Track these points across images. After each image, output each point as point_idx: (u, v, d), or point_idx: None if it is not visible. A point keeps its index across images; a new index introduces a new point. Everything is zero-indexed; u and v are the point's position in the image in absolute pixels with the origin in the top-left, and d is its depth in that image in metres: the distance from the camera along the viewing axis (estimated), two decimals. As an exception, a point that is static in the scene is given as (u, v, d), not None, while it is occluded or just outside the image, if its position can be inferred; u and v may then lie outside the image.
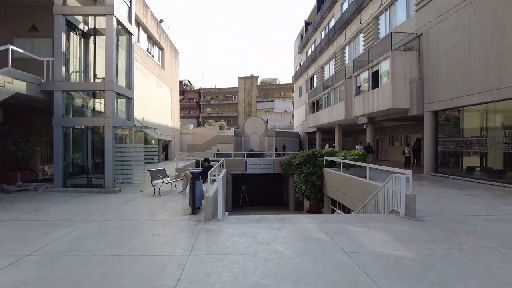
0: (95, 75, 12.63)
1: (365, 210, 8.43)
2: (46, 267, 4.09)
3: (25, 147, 11.53)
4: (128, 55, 13.07)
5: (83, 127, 11.87)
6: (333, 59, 28.85)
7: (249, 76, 69.24)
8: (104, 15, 11.05)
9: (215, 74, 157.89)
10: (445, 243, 4.87)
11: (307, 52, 38.66)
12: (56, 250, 4.72)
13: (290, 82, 55.31)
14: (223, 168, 13.65)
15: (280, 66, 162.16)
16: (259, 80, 71.00)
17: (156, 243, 5.07)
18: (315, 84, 34.86)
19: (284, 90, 67.34)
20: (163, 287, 3.50)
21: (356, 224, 6.07)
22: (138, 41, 22.32)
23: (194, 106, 71.37)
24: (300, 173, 15.39)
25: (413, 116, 15.55)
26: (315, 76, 35.37)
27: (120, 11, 11.75)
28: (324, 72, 32.35)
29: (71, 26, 11.47)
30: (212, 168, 8.64)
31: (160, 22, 27.57)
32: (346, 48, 26.18)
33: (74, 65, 12.11)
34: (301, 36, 42.30)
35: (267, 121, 39.03)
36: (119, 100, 12.69)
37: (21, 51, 10.31)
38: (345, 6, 25.31)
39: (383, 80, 16.03)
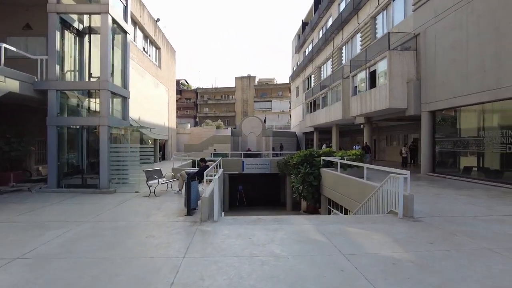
0: (90, 74, 12.47)
1: (363, 210, 8.37)
2: (36, 270, 3.98)
3: (19, 147, 11.37)
4: (123, 54, 12.93)
5: (78, 127, 11.71)
6: (331, 59, 28.83)
7: (246, 76, 69.11)
8: (99, 13, 10.91)
9: (212, 74, 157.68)
10: (443, 244, 4.80)
11: (305, 52, 38.63)
12: (48, 252, 4.60)
13: (288, 82, 55.27)
14: (219, 168, 13.55)
15: (278, 66, 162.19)
16: (257, 80, 70.89)
17: (150, 245, 4.97)
18: (312, 84, 34.83)
19: (281, 90, 67.29)
20: (156, 291, 3.41)
21: (353, 225, 6.00)
22: (134, 40, 22.15)
23: (191, 105, 71.15)
24: (297, 173, 15.32)
25: (410, 116, 15.53)
26: (312, 76, 35.35)
27: (116, 10, 11.61)
28: (322, 72, 32.31)
29: (65, 25, 11.31)
30: (208, 169, 8.53)
31: (156, 21, 27.40)
32: (344, 48, 26.16)
33: (68, 64, 11.95)
34: (298, 36, 42.26)
35: (265, 121, 38.95)
36: (114, 99, 12.54)
37: (14, 49, 10.15)
38: (343, 6, 25.29)
39: (381, 80, 16.00)
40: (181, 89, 70.52)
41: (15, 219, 6.73)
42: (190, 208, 6.96)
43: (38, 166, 13.97)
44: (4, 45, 9.52)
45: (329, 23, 28.58)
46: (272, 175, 24.11)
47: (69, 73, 12.06)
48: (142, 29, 23.93)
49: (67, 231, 5.69)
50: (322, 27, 31.20)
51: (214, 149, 31.58)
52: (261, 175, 23.90)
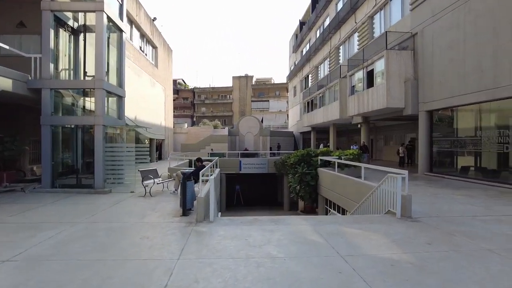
0: (85, 73, 12.31)
1: (360, 210, 8.31)
2: (25, 273, 3.86)
3: (12, 146, 11.22)
4: (119, 52, 12.80)
5: (72, 126, 11.56)
6: (328, 59, 28.79)
7: (243, 75, 69.04)
8: (94, 11, 10.78)
9: (209, 73, 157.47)
10: (442, 245, 4.74)
11: (302, 51, 38.57)
12: (38, 254, 4.49)
13: (285, 81, 55.20)
14: (216, 168, 13.44)
15: (275, 66, 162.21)
16: (254, 79, 70.83)
17: (144, 246, 4.87)
18: (309, 83, 34.78)
19: (279, 90, 67.26)
20: (149, 294, 3.31)
21: (351, 226, 5.92)
22: (130, 39, 21.99)
23: (189, 105, 70.96)
24: (294, 173, 15.25)
25: (407, 116, 15.51)
26: (309, 75, 35.30)
27: (111, 8, 11.48)
28: (319, 72, 32.27)
29: (59, 23, 11.16)
30: (205, 168, 8.43)
31: (153, 20, 27.22)
32: (341, 47, 26.12)
33: (63, 62, 11.80)
34: (295, 35, 42.21)
35: (262, 121, 38.89)
36: (110, 98, 12.43)
37: (7, 47, 10.01)
38: (340, 5, 25.25)
39: (378, 79, 15.96)
40: (178, 89, 70.30)
41: (6, 219, 6.60)
42: (186, 209, 6.87)
43: (33, 166, 13.81)
44: (-4, 43, 9.37)
45: (327, 22, 28.54)
46: (269, 175, 24.06)
47: (63, 71, 11.90)
48: (139, 28, 23.77)
49: (59, 232, 5.58)
50: (320, 27, 31.15)
51: (211, 149, 31.49)
52: (258, 175, 23.85)
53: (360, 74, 18.14)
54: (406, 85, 14.74)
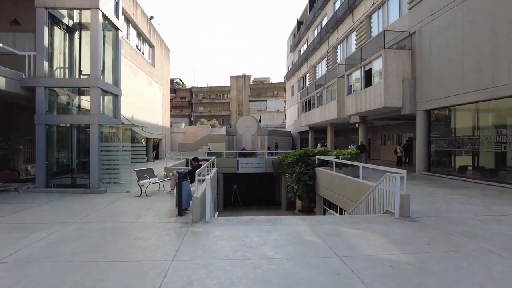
0: (80, 71, 12.16)
1: (358, 210, 8.23)
2: (14, 275, 3.75)
3: (6, 145, 11.06)
4: (115, 51, 12.66)
5: (67, 125, 11.42)
6: (326, 58, 28.74)
7: (241, 75, 68.88)
8: (89, 8, 10.63)
9: (207, 73, 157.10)
10: (442, 245, 4.67)
11: (300, 51, 38.51)
12: (29, 256, 4.37)
13: (283, 81, 55.13)
14: (213, 167, 13.34)
15: (273, 65, 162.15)
16: (252, 79, 70.70)
17: (138, 247, 4.76)
18: (307, 83, 34.73)
19: (276, 89, 67.16)
20: (141, 297, 3.21)
21: (349, 226, 5.84)
22: (127, 38, 21.82)
23: (186, 105, 70.72)
24: (292, 172, 15.17)
25: (405, 115, 15.47)
26: (307, 75, 35.25)
27: (107, 6, 11.34)
28: (317, 71, 32.22)
29: (54, 20, 11.01)
30: (201, 168, 8.33)
31: (150, 19, 27.06)
32: (339, 47, 26.08)
33: (58, 60, 11.65)
34: (293, 35, 42.14)
35: (260, 120, 38.77)
36: (105, 97, 12.29)
37: (0, 45, 9.84)
38: (338, 4, 25.19)
39: (376, 78, 15.90)
40: (176, 88, 70.04)
41: (-2, 220, 6.47)
42: (182, 209, 6.76)
43: (27, 165, 13.65)
44: (-11, 40, 9.21)
45: (324, 22, 28.49)
46: (267, 175, 23.98)
47: (58, 70, 11.76)
48: (136, 27, 23.61)
49: (52, 233, 5.46)
50: (317, 26, 31.10)
51: (209, 148, 31.35)
52: (256, 174, 23.74)
53: (357, 74, 18.09)
54: (404, 84, 14.70)
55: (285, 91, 55.78)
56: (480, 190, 9.68)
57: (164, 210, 7.43)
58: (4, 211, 7.25)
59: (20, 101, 11.54)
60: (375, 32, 19.52)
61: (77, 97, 11.96)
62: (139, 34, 24.73)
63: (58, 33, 11.52)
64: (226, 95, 70.39)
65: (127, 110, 19.24)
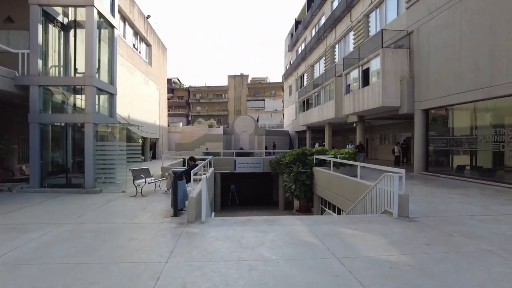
0: (75, 69, 11.99)
1: (356, 210, 8.15)
2: (1, 278, 3.63)
3: (-1, 145, 10.88)
4: (111, 49, 12.51)
5: (62, 124, 11.26)
6: (323, 58, 28.68)
7: (239, 74, 68.76)
8: (83, 6, 10.48)
9: (205, 72, 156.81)
10: (441, 246, 4.59)
11: (297, 50, 38.44)
12: (18, 258, 4.25)
13: (281, 81, 55.06)
14: (210, 167, 13.23)
15: (271, 65, 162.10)
16: (249, 78, 70.56)
17: (132, 248, 4.65)
18: (305, 82, 34.68)
19: (274, 89, 67.07)
20: (133, 301, 3.10)
21: (347, 226, 5.76)
22: (124, 37, 21.65)
23: (184, 104, 70.50)
24: (290, 172, 15.08)
25: (403, 115, 15.43)
26: (305, 74, 35.19)
27: (102, 3, 11.19)
28: (314, 71, 32.16)
29: (48, 18, 10.84)
30: (197, 167, 8.21)
31: (147, 18, 26.89)
32: (336, 46, 26.02)
33: (53, 59, 11.49)
34: (291, 34, 42.07)
35: (258, 120, 38.66)
36: (101, 96, 12.14)
37: (-7, 42, 9.68)
38: (335, 4, 25.14)
39: (374, 78, 15.85)
40: (173, 88, 69.82)
41: (-11, 221, 6.33)
42: (177, 209, 6.65)
43: (21, 165, 13.48)
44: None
45: (322, 21, 28.43)
46: (264, 174, 23.89)
47: (53, 68, 11.60)
48: (132, 26, 23.43)
49: (44, 234, 5.33)
50: (315, 26, 31.04)
51: (206, 148, 31.23)
52: (253, 174, 23.66)
53: (355, 73, 18.04)
54: (402, 83, 14.65)
55: (283, 90, 55.70)
56: (478, 189, 9.63)
57: (160, 210, 7.31)
58: (-4, 212, 7.11)
59: (14, 100, 11.37)
60: (373, 31, 19.48)
61: (72, 96, 11.81)
62: (136, 33, 24.56)
63: (53, 31, 11.36)
64: (223, 95, 70.24)
65: (123, 110, 19.07)
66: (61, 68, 11.96)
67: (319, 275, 3.65)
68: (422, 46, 13.83)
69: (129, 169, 10.21)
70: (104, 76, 12.07)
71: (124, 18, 21.91)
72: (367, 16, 20.22)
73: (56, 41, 11.58)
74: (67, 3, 10.82)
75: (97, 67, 11.30)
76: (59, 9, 11.35)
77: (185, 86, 74.13)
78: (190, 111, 70.26)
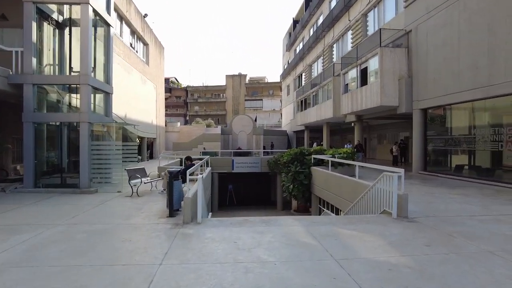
0: (71, 68, 11.84)
1: (355, 210, 8.07)
2: (-11, 282, 3.50)
3: (-7, 144, 10.71)
4: (106, 47, 12.36)
5: (57, 123, 11.11)
6: (321, 57, 28.60)
7: (237, 74, 68.60)
8: (78, 3, 10.34)
9: (202, 72, 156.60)
10: (442, 247, 4.50)
11: (295, 50, 38.36)
12: (7, 260, 4.12)
13: (279, 80, 54.96)
14: (207, 166, 13.11)
15: (269, 64, 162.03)
16: (247, 78, 70.42)
17: (125, 250, 4.53)
18: (303, 82, 34.59)
19: (272, 89, 66.98)
20: (124, 306, 2.99)
21: (346, 226, 5.66)
22: (121, 36, 21.49)
23: (182, 104, 70.25)
24: (287, 172, 14.99)
25: (401, 114, 15.36)
26: (303, 74, 35.11)
27: (97, 1, 11.03)
28: (312, 70, 32.08)
29: (43, 15, 10.69)
30: (193, 167, 8.10)
31: (144, 17, 26.72)
32: (334, 45, 25.95)
33: (47, 57, 11.33)
34: (289, 34, 41.98)
35: (255, 120, 38.55)
36: (97, 95, 12.01)
37: (-14, 40, 9.51)
38: (334, 3, 25.06)
39: (372, 77, 15.78)
40: (171, 87, 69.56)
41: (-20, 222, 6.19)
42: (173, 209, 6.54)
43: (16, 165, 13.32)
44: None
45: (320, 20, 28.34)
46: (262, 174, 23.77)
47: (48, 67, 11.43)
48: (129, 24, 23.27)
49: (35, 235, 5.20)
50: (313, 25, 30.95)
51: (204, 148, 31.10)
52: (251, 174, 23.53)
53: (353, 72, 17.96)
54: (400, 83, 14.58)
55: (281, 90, 55.63)
56: (477, 189, 9.57)
57: (155, 211, 7.20)
58: (-13, 212, 6.97)
59: (8, 99, 11.21)
60: (371, 30, 19.41)
61: (68, 94, 11.66)
62: (133, 32, 24.40)
63: (48, 29, 11.20)
64: (221, 94, 70.08)
65: (120, 109, 18.92)
66: (56, 67, 11.80)
67: (317, 277, 3.55)
68: (421, 45, 13.76)
69: (125, 169, 10.08)
70: (99, 75, 11.93)
71: (121, 17, 21.75)
72: (365, 15, 20.15)
73: (51, 39, 11.42)
74: (61, 0, 10.66)
75: (92, 66, 11.16)
76: (53, 7, 11.20)
77: (183, 86, 73.87)
78: (188, 110, 70.05)
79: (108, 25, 12.19)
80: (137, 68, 24.27)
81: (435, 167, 13.51)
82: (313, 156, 14.16)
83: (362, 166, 9.13)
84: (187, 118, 68.24)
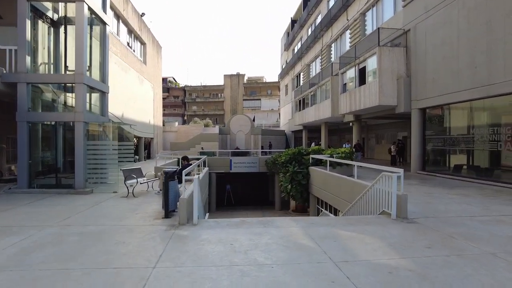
0: (66, 67, 11.70)
1: (353, 210, 7.96)
2: (-26, 287, 3.37)
3: (-14, 144, 10.53)
4: (102, 46, 12.20)
5: (52, 123, 10.95)
6: (320, 57, 28.52)
7: (235, 74, 68.36)
8: (73, 1, 10.20)
9: (200, 71, 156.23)
10: (443, 249, 4.39)
11: (294, 49, 38.27)
12: (-5, 264, 3.98)
13: (277, 80, 54.86)
14: (204, 166, 12.97)
15: (267, 64, 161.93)
16: (246, 78, 70.26)
17: (118, 253, 4.40)
18: (301, 82, 34.51)
19: (270, 88, 66.85)
20: (114, 312, 2.86)
21: (344, 228, 5.55)
22: (118, 35, 21.31)
23: (179, 104, 70.01)
24: (285, 172, 14.88)
25: (399, 114, 15.28)
26: (301, 74, 35.01)
27: (93, -1, 10.90)
28: (311, 70, 32.00)
29: (37, 13, 10.53)
30: (190, 167, 7.97)
31: (141, 16, 26.52)
32: (333, 45, 25.87)
33: (42, 56, 11.16)
34: (287, 33, 41.88)
35: (254, 119, 38.43)
36: (93, 94, 11.85)
37: (-22, 38, 9.34)
38: (332, 2, 24.97)
39: (370, 76, 15.69)
40: (169, 87, 69.31)
41: (-30, 224, 6.03)
42: (169, 210, 6.41)
43: (11, 165, 13.14)
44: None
45: (318, 20, 28.26)
46: (260, 174, 23.68)
47: (43, 65, 11.28)
48: (126, 23, 23.07)
49: (26, 238, 5.06)
50: (311, 24, 30.87)
51: (202, 148, 30.93)
52: (249, 174, 23.43)
53: (352, 72, 17.87)
54: (399, 82, 14.50)
55: (279, 90, 55.54)
56: (476, 189, 9.49)
57: (151, 212, 7.06)
58: (-22, 214, 6.81)
59: (2, 98, 11.02)
60: (369, 30, 19.32)
61: (63, 94, 11.49)
62: (130, 31, 24.20)
63: (42, 27, 11.04)
64: (220, 94, 69.89)
65: (117, 109, 18.75)
66: (51, 66, 11.64)
67: (315, 281, 3.43)
68: (419, 45, 13.68)
69: (120, 169, 9.93)
70: (95, 74, 11.77)
71: (118, 16, 21.55)
72: (363, 14, 20.07)
73: (45, 38, 11.27)
74: (56, -2, 10.50)
75: (88, 65, 11.02)
76: (48, 5, 11.04)
77: (180, 86, 73.62)
78: (186, 110, 69.81)
79: (104, 23, 12.03)
80: (134, 67, 24.08)
81: (433, 167, 13.43)
82: (311, 156, 14.06)
83: (361, 166, 9.01)
84: (185, 118, 68.00)
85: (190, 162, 9.73)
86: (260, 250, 4.39)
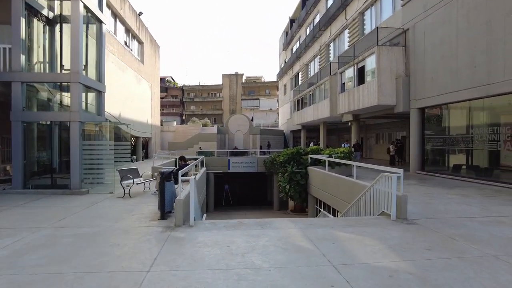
0: (62, 66, 11.57)
1: (352, 211, 7.88)
2: (-38, 292, 3.26)
3: (-20, 144, 10.39)
4: (98, 45, 12.07)
5: (48, 123, 10.82)
6: (318, 56, 28.44)
7: (233, 73, 68.26)
8: (69, -1, 10.06)
9: (199, 71, 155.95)
10: (443, 251, 4.31)
11: (292, 49, 38.18)
12: (-15, 267, 3.87)
13: (275, 79, 54.77)
14: (202, 166, 12.87)
15: (265, 64, 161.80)
16: (244, 77, 70.11)
17: (113, 256, 4.30)
18: (300, 81, 34.42)
19: (269, 88, 66.76)
20: (106, 319, 2.76)
21: (343, 229, 5.47)
22: (115, 34, 21.16)
23: (178, 103, 69.82)
24: (284, 171, 14.80)
25: (398, 114, 15.22)
26: (300, 73, 34.93)
27: (89, -3, 10.76)
28: (309, 69, 31.92)
29: (32, 11, 10.39)
30: (187, 167, 7.86)
31: (139, 15, 26.38)
32: (331, 44, 25.79)
33: (37, 54, 11.03)
34: (285, 33, 41.79)
35: (252, 119, 38.33)
36: (89, 93, 11.73)
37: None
38: (330, 2, 24.89)
39: (369, 76, 15.63)
40: (167, 87, 69.13)
41: (-38, 225, 5.91)
42: (165, 212, 6.31)
43: (6, 165, 12.97)
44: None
45: (317, 19, 28.17)
46: (259, 174, 23.56)
47: (38, 64, 11.15)
48: (124, 22, 22.92)
49: (18, 240, 4.95)
50: (310, 24, 30.78)
51: (200, 147, 30.79)
52: (247, 174, 23.31)
53: (350, 71, 17.80)
54: (398, 82, 14.44)
55: (277, 89, 55.45)
56: (475, 189, 9.43)
57: (147, 213, 6.96)
58: (-29, 215, 6.69)
59: (-3, 97, 10.89)
60: (368, 29, 19.26)
61: (59, 93, 11.36)
62: (127, 30, 24.05)
63: (37, 25, 10.91)
64: (218, 94, 69.74)
65: (114, 108, 18.62)
66: (47, 64, 11.51)
67: (314, 284, 3.35)
68: (418, 44, 13.62)
69: (117, 169, 9.81)
70: (91, 73, 11.65)
71: (115, 15, 21.41)
72: (362, 14, 20.00)
73: (40, 36, 11.14)
74: (51, -5, 10.36)
75: (84, 64, 10.89)
76: (43, 3, 10.91)
77: (179, 85, 73.40)
78: (184, 110, 69.62)
79: (100, 22, 11.90)
80: (132, 66, 23.94)
81: (432, 167, 13.38)
82: (309, 156, 13.98)
83: (360, 166, 8.93)
84: (183, 117, 67.81)
85: (187, 162, 9.63)
86: (258, 253, 4.30)
